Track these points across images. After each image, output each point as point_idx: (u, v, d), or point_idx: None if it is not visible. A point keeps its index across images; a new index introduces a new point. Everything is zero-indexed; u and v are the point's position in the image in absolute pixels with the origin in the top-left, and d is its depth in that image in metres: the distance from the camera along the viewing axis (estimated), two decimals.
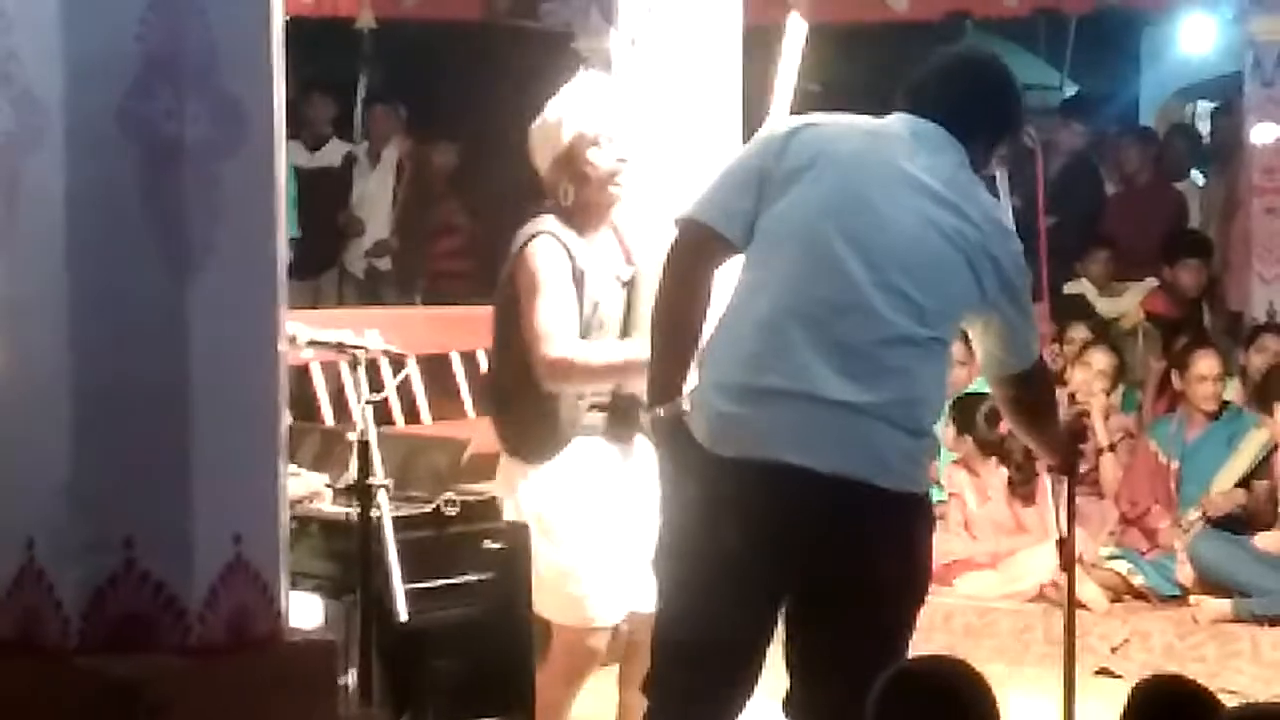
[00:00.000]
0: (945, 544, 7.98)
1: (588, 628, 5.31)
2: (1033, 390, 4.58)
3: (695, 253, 4.28)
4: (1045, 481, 7.62)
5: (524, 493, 5.33)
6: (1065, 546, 5.03)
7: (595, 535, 5.29)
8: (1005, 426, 8.05)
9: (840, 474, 4.08)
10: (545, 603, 5.28)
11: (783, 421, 4.10)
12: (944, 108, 4.35)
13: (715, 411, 4.16)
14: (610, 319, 5.28)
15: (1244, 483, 7.80)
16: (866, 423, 4.10)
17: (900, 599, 4.28)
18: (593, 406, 5.30)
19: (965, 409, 8.12)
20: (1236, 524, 7.73)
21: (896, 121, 4.37)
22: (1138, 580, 7.62)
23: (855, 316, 4.13)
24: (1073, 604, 5.06)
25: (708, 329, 4.30)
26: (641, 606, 5.06)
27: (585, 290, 5.22)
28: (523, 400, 5.27)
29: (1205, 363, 8.01)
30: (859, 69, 10.71)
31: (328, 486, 5.18)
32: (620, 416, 5.29)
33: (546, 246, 5.21)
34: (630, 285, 5.31)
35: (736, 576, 4.16)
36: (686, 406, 4.21)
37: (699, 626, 4.23)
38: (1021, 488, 7.92)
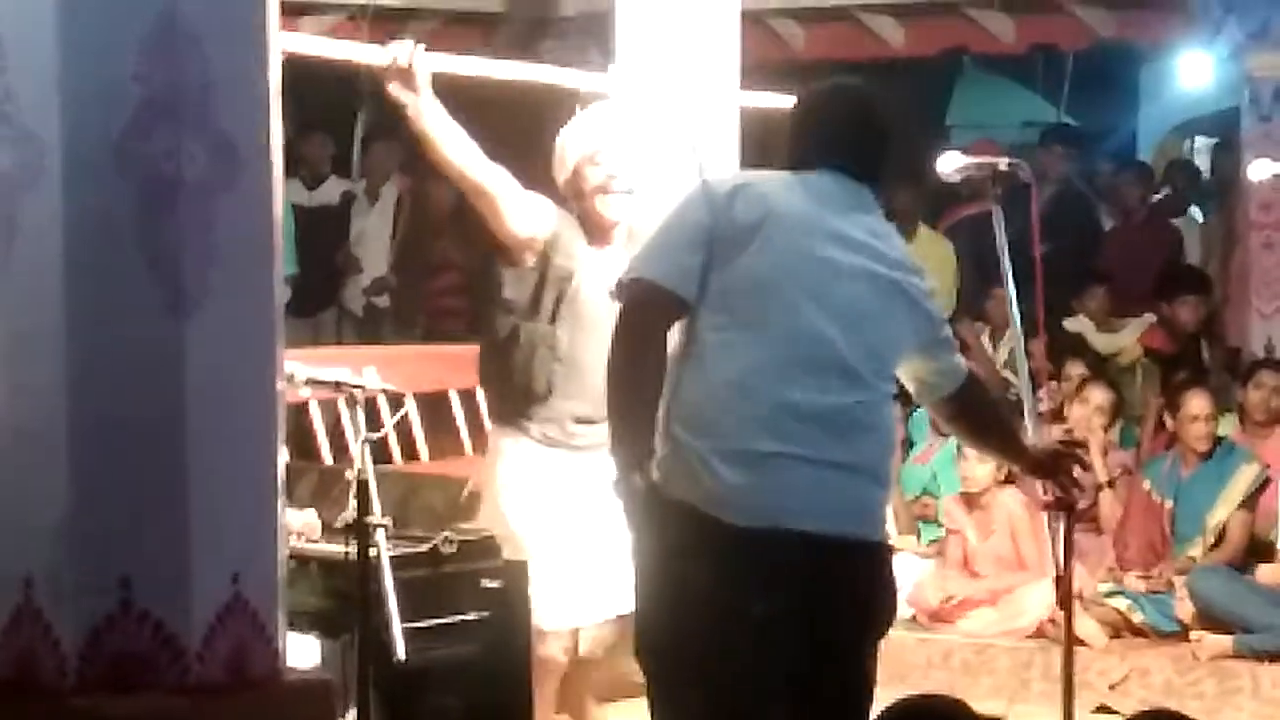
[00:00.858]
0: (944, 581, 7.98)
1: (536, 629, 5.53)
2: (974, 399, 4.66)
3: (651, 312, 4.21)
4: (1043, 517, 7.62)
5: (495, 484, 5.68)
6: (1063, 583, 5.02)
7: (547, 541, 5.53)
8: None
9: (843, 534, 4.14)
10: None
11: (789, 487, 4.11)
12: (848, 154, 4.39)
13: (723, 481, 4.09)
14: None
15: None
16: (856, 481, 4.18)
17: (880, 638, 4.31)
18: (579, 419, 5.56)
19: None
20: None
21: (817, 177, 4.37)
22: (1137, 618, 7.62)
23: (836, 376, 4.17)
24: (1070, 640, 5.05)
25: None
26: (591, 619, 5.57)
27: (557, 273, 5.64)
28: (501, 360, 5.69)
29: (1196, 402, 8.03)
30: None
31: (323, 526, 5.18)
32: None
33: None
34: None
35: (763, 650, 4.13)
36: (655, 472, 4.14)
37: (737, 702, 4.16)
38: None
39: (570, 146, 5.83)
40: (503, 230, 5.67)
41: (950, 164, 5.30)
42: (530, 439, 5.66)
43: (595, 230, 5.75)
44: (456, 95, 5.73)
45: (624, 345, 4.20)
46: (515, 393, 5.67)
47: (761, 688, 4.13)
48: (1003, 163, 5.33)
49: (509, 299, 5.73)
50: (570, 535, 5.54)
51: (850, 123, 4.45)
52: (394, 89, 5.54)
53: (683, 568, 4.10)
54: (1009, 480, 7.98)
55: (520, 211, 5.65)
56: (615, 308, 5.13)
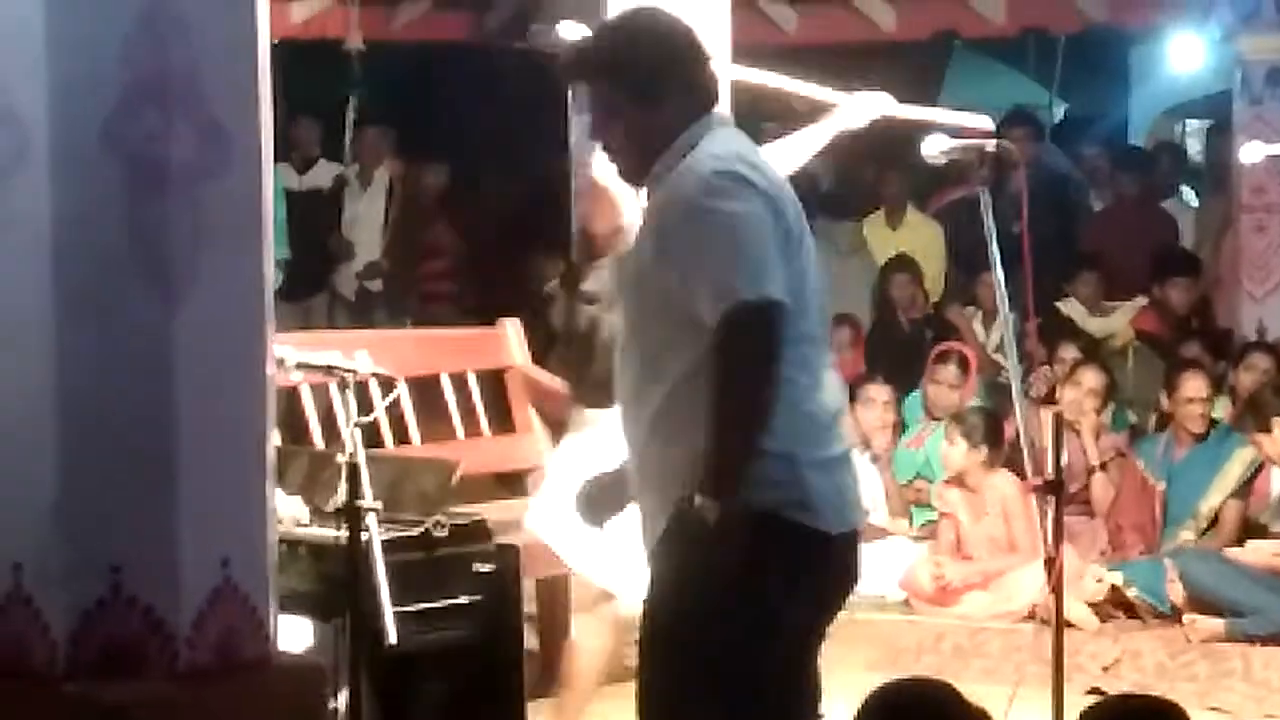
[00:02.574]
0: (937, 565, 7.99)
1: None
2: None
3: (780, 332, 3.89)
4: (1031, 500, 7.62)
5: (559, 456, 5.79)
6: (1053, 565, 5.02)
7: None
8: (1010, 435, 8.08)
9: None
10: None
11: (852, 487, 4.14)
12: (716, 91, 4.13)
13: (827, 487, 4.01)
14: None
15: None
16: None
17: None
18: None
19: (975, 422, 8.11)
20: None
21: (738, 131, 4.14)
22: (1131, 592, 7.62)
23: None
24: (1060, 623, 5.05)
25: None
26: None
27: None
28: (582, 349, 5.74)
29: (1193, 384, 8.04)
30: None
31: (313, 510, 5.17)
32: None
33: None
34: None
35: (809, 647, 4.17)
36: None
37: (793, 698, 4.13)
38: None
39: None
40: (599, 224, 5.69)
41: (935, 146, 5.22)
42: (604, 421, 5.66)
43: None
44: None
45: (763, 370, 3.87)
46: (593, 379, 5.67)
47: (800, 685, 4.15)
48: (989, 144, 5.24)
49: (589, 291, 5.75)
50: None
51: (698, 50, 4.13)
52: None
53: (763, 575, 3.93)
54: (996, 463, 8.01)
55: (620, 202, 5.59)
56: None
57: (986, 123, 5.60)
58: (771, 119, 7.42)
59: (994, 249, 5.11)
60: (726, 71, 7.56)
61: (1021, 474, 7.93)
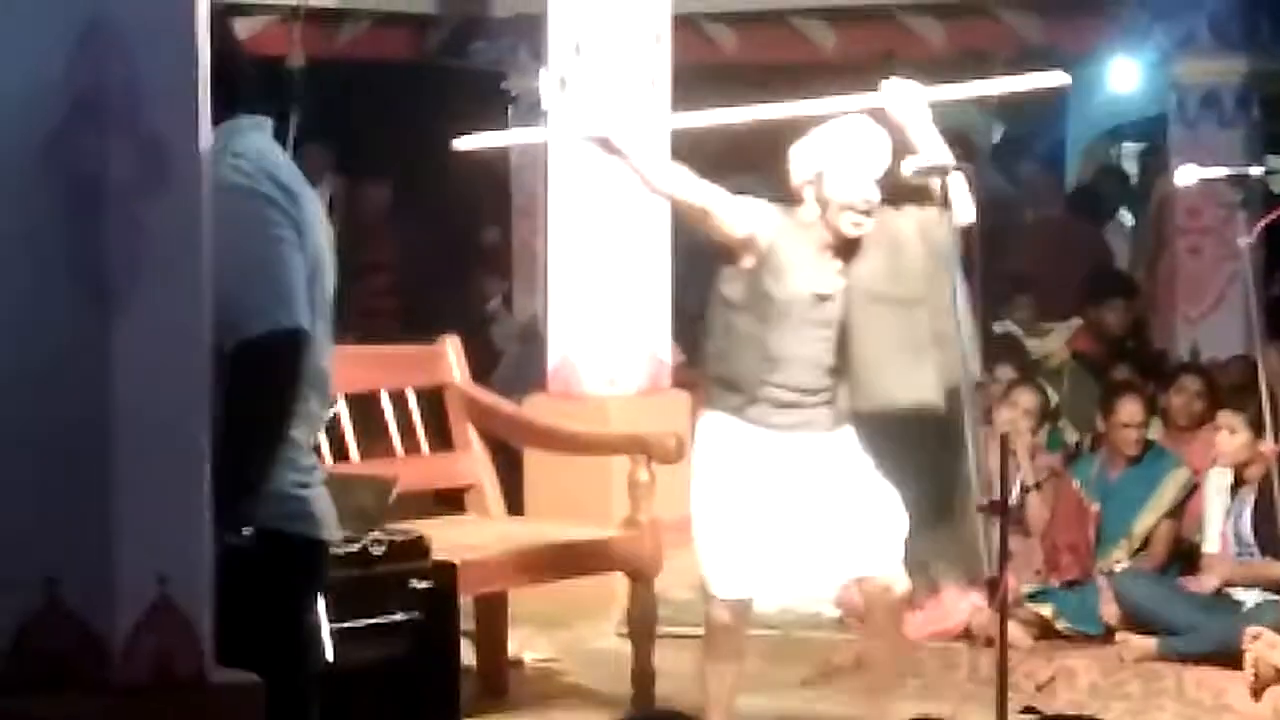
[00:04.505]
0: None
1: (710, 595, 6.01)
2: None
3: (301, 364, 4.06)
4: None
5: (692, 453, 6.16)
6: (996, 586, 5.04)
7: (725, 514, 5.92)
8: None
9: None
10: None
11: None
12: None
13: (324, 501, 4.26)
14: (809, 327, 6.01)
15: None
16: None
17: None
18: (765, 400, 5.92)
19: None
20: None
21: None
22: (1061, 624, 7.68)
23: None
24: (1005, 643, 5.07)
25: None
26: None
27: None
28: (716, 351, 6.08)
29: (1129, 408, 8.12)
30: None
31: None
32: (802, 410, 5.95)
33: None
34: None
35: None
36: None
37: None
38: None
39: (816, 157, 5.96)
40: (721, 234, 5.97)
41: (911, 166, 5.68)
42: (735, 419, 5.98)
43: (826, 238, 5.94)
44: None
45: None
46: (726, 380, 6.00)
47: None
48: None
49: (726, 295, 6.01)
50: (760, 508, 5.91)
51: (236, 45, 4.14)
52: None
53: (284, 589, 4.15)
54: None
55: (736, 217, 5.95)
56: (823, 308, 5.81)
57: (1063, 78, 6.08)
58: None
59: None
60: (665, 92, 7.60)
61: None
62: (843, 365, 5.90)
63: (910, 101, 5.93)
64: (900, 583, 6.02)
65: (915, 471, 5.90)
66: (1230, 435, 7.68)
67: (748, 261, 5.94)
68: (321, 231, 4.11)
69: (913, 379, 5.79)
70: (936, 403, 5.73)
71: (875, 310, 5.86)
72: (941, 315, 5.75)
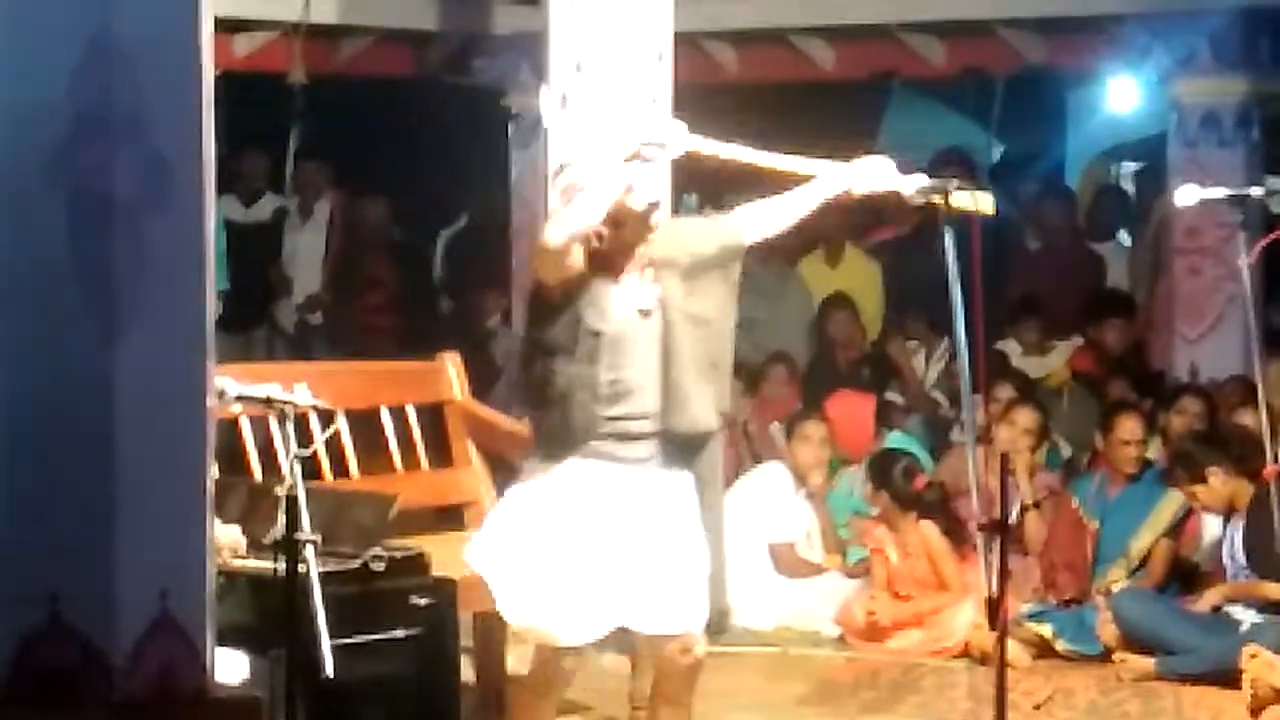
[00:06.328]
0: (871, 601, 8.03)
1: (551, 645, 5.43)
2: None
3: None
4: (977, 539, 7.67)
5: (511, 497, 5.54)
6: (996, 606, 5.03)
7: (566, 556, 5.37)
8: (922, 481, 8.18)
9: None
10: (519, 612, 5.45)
11: None
12: None
13: None
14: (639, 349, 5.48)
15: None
16: None
17: None
18: (610, 435, 5.41)
19: (881, 465, 8.25)
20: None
21: None
22: (1060, 645, 7.69)
23: None
24: (1004, 662, 5.06)
25: None
26: (643, 628, 5.42)
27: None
28: (542, 396, 5.46)
29: (1128, 426, 8.14)
30: (784, 128, 10.77)
31: (251, 543, 5.17)
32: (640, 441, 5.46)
33: None
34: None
35: None
36: None
37: None
38: (954, 541, 8.01)
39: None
40: (546, 274, 5.49)
41: (914, 184, 5.51)
42: (574, 457, 5.49)
43: (618, 262, 5.48)
44: None
45: None
46: (554, 429, 5.50)
47: None
48: (953, 185, 5.50)
49: (542, 339, 5.51)
50: (595, 547, 5.40)
51: None
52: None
53: None
54: (925, 514, 8.09)
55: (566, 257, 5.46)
56: (645, 325, 5.30)
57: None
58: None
59: (956, 290, 5.23)
60: (665, 110, 7.61)
61: (932, 516, 8.07)
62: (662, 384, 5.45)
63: (882, 179, 5.64)
64: (700, 645, 5.53)
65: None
66: (1209, 489, 7.71)
67: (559, 301, 5.48)
68: None
69: (709, 401, 5.50)
70: (714, 429, 5.54)
71: (684, 328, 5.47)
72: (724, 340, 5.53)
